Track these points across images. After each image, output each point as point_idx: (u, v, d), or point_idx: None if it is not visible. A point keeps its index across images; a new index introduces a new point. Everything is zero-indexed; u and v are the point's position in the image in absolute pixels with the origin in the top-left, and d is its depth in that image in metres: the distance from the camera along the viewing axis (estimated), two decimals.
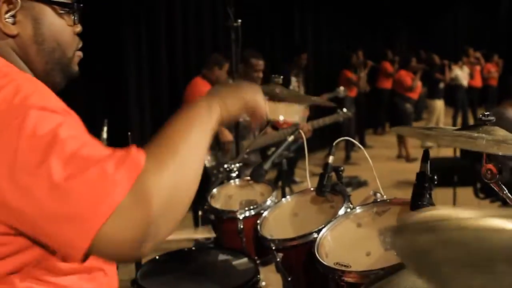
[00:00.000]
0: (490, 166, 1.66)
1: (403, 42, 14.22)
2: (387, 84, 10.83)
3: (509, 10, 17.64)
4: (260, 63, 4.41)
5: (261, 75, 4.49)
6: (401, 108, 9.66)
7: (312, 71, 9.38)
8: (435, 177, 1.83)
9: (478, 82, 12.25)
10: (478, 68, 12.32)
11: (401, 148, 9.29)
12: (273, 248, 1.99)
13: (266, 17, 8.48)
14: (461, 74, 11.67)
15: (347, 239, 1.93)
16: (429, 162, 1.84)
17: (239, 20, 2.78)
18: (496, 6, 17.16)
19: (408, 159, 8.88)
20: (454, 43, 14.32)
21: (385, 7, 12.72)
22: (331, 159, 2.09)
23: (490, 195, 5.11)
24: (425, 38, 14.81)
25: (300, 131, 2.43)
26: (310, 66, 8.80)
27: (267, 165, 2.37)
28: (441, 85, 10.89)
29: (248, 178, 2.49)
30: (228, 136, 4.20)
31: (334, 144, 2.11)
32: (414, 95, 9.89)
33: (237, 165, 2.55)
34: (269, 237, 2.02)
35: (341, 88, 7.34)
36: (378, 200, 2.04)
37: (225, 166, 2.54)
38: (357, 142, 2.21)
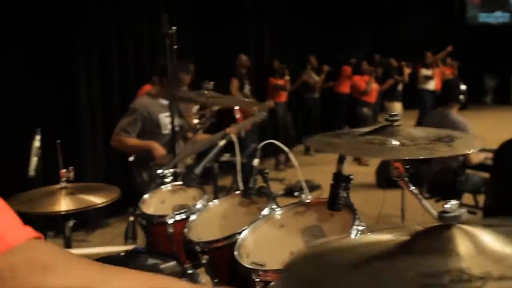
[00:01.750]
0: (398, 164, 1.72)
1: (360, 47, 14.42)
2: (346, 88, 10.97)
3: (462, 16, 18.12)
4: (187, 78, 4.43)
5: (185, 88, 4.48)
6: (358, 113, 9.80)
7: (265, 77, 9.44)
8: (351, 176, 1.88)
9: (439, 85, 12.49)
10: (438, 71, 12.58)
11: None
12: (199, 250, 2.01)
13: (222, 25, 8.50)
14: (430, 76, 11.95)
15: (269, 240, 1.97)
16: (344, 162, 1.89)
17: (174, 27, 2.80)
18: (450, 12, 17.62)
19: (361, 162, 8.97)
20: (410, 48, 14.57)
21: (343, 13, 12.88)
22: (256, 162, 2.13)
23: (435, 195, 5.24)
24: (382, 43, 15.06)
25: (232, 135, 2.46)
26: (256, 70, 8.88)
27: (198, 170, 2.40)
28: (399, 87, 11.10)
29: (180, 183, 2.52)
30: (161, 150, 4.19)
31: (259, 147, 2.15)
32: (371, 99, 10.04)
33: (171, 170, 2.57)
34: (195, 240, 2.04)
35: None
36: (302, 201, 2.09)
37: (158, 172, 2.56)
38: (283, 146, 2.24)
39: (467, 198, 5.59)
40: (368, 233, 1.20)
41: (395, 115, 1.70)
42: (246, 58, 8.06)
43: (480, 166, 5.09)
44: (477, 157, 5.03)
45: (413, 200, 1.89)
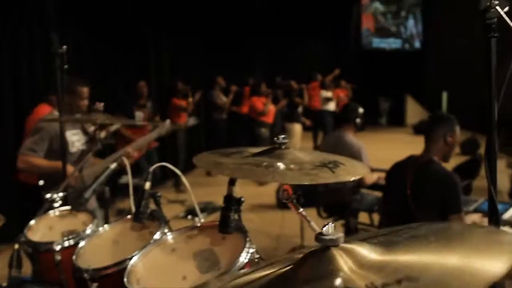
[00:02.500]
0: (286, 187, 1.74)
1: (261, 69, 14.66)
2: (247, 109, 10.96)
3: (358, 41, 18.92)
4: (85, 90, 4.21)
5: (86, 103, 4.27)
6: (256, 133, 9.93)
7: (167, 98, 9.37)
8: (242, 199, 1.89)
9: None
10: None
11: None
12: (88, 278, 1.94)
13: (121, 44, 8.34)
14: (330, 98, 12.29)
15: (161, 264, 1.94)
16: (235, 184, 1.90)
17: (64, 47, 2.71)
18: (346, 37, 18.38)
19: (261, 182, 8.96)
20: (308, 71, 15.01)
21: (245, 35, 13.05)
22: (147, 185, 2.10)
23: (332, 214, 5.37)
24: (282, 65, 15.41)
25: (123, 158, 2.41)
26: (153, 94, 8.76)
27: (87, 194, 2.32)
28: (299, 109, 11.34)
29: (69, 207, 2.43)
30: (72, 170, 4.00)
31: (150, 170, 2.11)
32: (268, 119, 10.19)
33: (60, 194, 2.47)
34: (83, 267, 1.97)
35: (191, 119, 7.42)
36: (196, 224, 2.07)
37: (47, 196, 2.45)
38: (175, 169, 2.22)
39: (363, 216, 5.77)
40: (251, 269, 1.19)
41: (284, 138, 1.73)
42: (144, 83, 7.94)
43: (374, 186, 5.27)
44: (371, 178, 5.22)
45: (310, 218, 1.93)
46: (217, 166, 1.56)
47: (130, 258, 1.87)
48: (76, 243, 2.18)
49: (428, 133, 3.58)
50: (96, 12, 7.56)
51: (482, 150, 9.02)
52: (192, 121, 7.22)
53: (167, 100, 9.20)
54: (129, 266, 1.83)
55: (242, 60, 13.18)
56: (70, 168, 3.97)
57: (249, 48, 13.52)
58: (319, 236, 1.01)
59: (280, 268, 1.10)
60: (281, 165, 1.55)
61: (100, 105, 2.30)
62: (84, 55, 7.13)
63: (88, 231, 2.23)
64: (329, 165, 1.55)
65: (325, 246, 1.01)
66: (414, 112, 17.93)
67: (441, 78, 17.23)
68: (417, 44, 19.64)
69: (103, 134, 4.73)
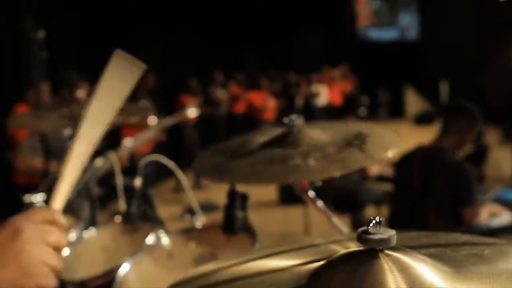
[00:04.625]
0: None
1: (253, 63, 14.34)
2: (239, 108, 10.54)
3: (353, 33, 18.74)
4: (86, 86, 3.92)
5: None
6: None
7: (160, 94, 9.05)
8: (247, 194, 1.62)
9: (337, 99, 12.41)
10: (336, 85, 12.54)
11: None
12: None
13: (106, 38, 8.04)
14: (321, 91, 11.92)
15: (156, 273, 1.68)
16: None
17: (42, 30, 2.40)
18: (341, 29, 18.20)
19: None
20: (303, 64, 14.71)
21: (234, 28, 12.75)
22: (138, 182, 1.83)
23: (338, 207, 5.11)
24: (275, 58, 15.15)
25: (111, 156, 2.14)
26: (157, 88, 8.44)
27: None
28: (299, 102, 11.05)
29: None
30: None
31: (141, 166, 1.85)
32: (269, 115, 9.80)
33: (41, 196, 2.19)
34: (67, 279, 1.70)
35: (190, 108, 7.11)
36: (196, 225, 1.82)
37: (26, 199, 2.17)
38: (170, 164, 1.95)
39: (370, 210, 5.54)
40: (268, 254, 0.90)
41: (294, 118, 1.46)
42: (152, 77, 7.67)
43: (381, 178, 5.04)
44: (375, 169, 4.98)
45: (318, 216, 1.66)
46: (224, 173, 1.29)
47: (121, 266, 1.62)
48: None
49: (448, 122, 3.24)
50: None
51: (486, 138, 8.80)
52: (192, 112, 6.90)
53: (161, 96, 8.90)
54: (119, 276, 1.58)
55: (232, 52, 12.84)
56: None
57: (238, 41, 13.21)
58: (363, 235, 0.74)
59: (305, 263, 0.82)
60: (299, 157, 1.28)
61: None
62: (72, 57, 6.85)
63: (72, 236, 1.96)
64: (355, 142, 1.29)
65: (371, 250, 0.74)
66: (413, 102, 17.78)
67: (440, 67, 17.06)
68: (413, 35, 19.41)
69: None
